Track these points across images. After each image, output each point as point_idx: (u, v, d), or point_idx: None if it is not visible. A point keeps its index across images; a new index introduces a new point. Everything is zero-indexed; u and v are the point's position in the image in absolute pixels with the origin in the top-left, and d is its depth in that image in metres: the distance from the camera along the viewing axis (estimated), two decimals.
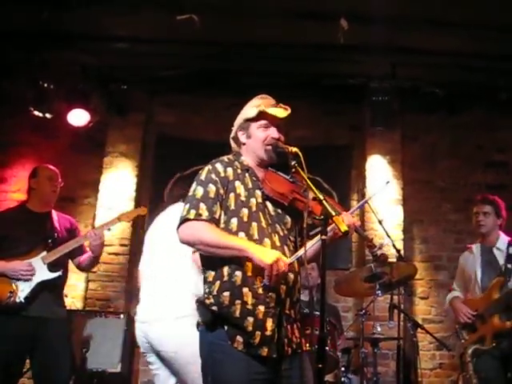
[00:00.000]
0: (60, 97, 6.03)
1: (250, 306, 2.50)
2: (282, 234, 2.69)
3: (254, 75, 6.02)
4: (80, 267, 4.36)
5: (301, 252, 2.57)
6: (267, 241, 2.61)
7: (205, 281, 2.62)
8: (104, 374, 5.19)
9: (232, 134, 2.90)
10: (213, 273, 2.59)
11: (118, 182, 6.34)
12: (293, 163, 2.60)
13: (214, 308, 2.51)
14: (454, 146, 6.60)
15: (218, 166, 2.71)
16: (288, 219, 2.75)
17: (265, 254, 2.48)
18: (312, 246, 2.63)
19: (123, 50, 5.87)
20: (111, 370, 5.21)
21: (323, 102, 6.62)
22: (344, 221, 2.53)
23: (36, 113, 5.89)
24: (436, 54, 5.64)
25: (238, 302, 2.50)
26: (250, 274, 2.53)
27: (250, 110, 2.80)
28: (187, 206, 2.62)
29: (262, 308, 2.50)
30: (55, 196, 4.33)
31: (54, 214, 4.31)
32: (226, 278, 2.54)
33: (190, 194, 2.67)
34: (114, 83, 6.26)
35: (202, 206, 2.59)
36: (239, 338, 2.47)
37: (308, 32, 5.34)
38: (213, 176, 2.67)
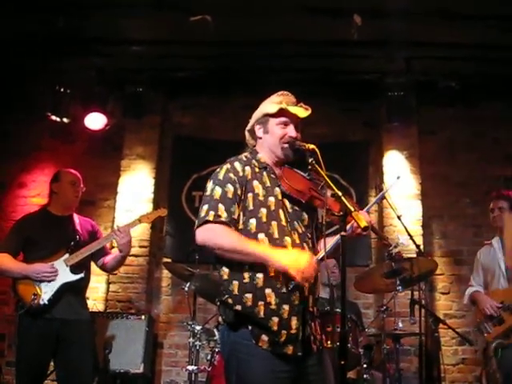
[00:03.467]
0: (77, 101, 6.09)
1: (273, 307, 2.50)
2: (300, 231, 2.69)
3: (268, 73, 6.01)
4: (104, 268, 4.38)
5: (323, 253, 2.59)
6: (287, 239, 2.61)
7: (221, 278, 2.60)
8: (127, 374, 5.24)
9: (248, 127, 2.88)
10: (227, 270, 2.58)
11: (136, 185, 6.38)
12: (310, 160, 2.59)
13: (238, 307, 2.51)
14: (472, 139, 6.54)
15: (237, 165, 2.68)
16: (305, 216, 2.75)
17: (289, 260, 2.44)
18: (334, 243, 2.63)
19: (138, 53, 5.90)
20: (134, 371, 5.27)
21: (338, 98, 6.60)
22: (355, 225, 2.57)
23: (53, 118, 5.95)
24: (451, 47, 5.61)
25: (260, 303, 2.50)
26: (272, 274, 2.53)
27: (271, 105, 2.78)
28: (205, 206, 2.60)
29: (286, 307, 2.51)
30: (77, 201, 4.36)
31: (76, 217, 4.34)
32: (246, 280, 2.52)
33: (208, 194, 2.64)
34: (129, 86, 6.30)
35: (221, 206, 2.56)
36: (264, 337, 2.48)
37: (322, 28, 5.33)
38: (231, 175, 2.64)
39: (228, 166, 2.69)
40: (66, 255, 4.07)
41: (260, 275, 2.52)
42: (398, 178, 3.50)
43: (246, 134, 2.91)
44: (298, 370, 2.52)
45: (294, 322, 2.51)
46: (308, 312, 2.59)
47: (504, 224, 4.58)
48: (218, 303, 2.62)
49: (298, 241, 2.64)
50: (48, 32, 5.44)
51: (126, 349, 5.29)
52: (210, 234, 2.55)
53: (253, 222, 2.60)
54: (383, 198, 3.31)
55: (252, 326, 2.49)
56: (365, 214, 2.66)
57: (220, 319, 2.63)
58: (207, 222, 2.56)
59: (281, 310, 2.50)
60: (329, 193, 2.58)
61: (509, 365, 4.23)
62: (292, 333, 2.50)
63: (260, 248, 2.52)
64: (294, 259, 2.45)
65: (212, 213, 2.56)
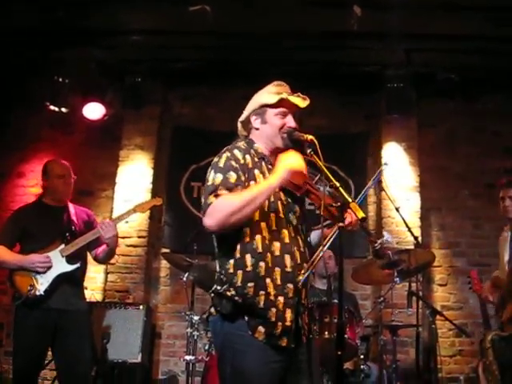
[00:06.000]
0: (75, 91, 6.07)
1: (272, 297, 2.50)
2: (294, 223, 2.69)
3: (268, 65, 5.99)
4: (97, 259, 4.40)
5: (325, 248, 2.60)
6: (284, 231, 2.61)
7: (224, 271, 2.56)
8: (125, 364, 5.26)
9: (242, 118, 2.84)
10: (231, 261, 2.55)
11: (135, 175, 6.37)
12: (309, 151, 2.58)
13: (238, 299, 2.50)
14: (471, 132, 6.54)
15: (237, 153, 2.64)
16: (297, 208, 2.74)
17: (283, 168, 2.53)
18: (332, 236, 2.64)
19: (137, 43, 5.87)
20: (132, 361, 5.29)
21: (338, 90, 6.58)
22: (352, 217, 2.58)
23: (52, 107, 5.92)
24: (451, 39, 5.58)
25: (262, 292, 2.50)
26: (271, 264, 2.53)
27: (269, 96, 2.74)
28: (207, 193, 2.54)
29: (281, 299, 2.52)
30: (69, 191, 4.34)
31: (71, 206, 4.34)
32: (249, 268, 2.51)
33: (210, 183, 2.57)
34: (128, 76, 6.28)
35: (222, 188, 2.51)
36: (261, 329, 2.48)
37: (322, 20, 5.30)
38: (233, 163, 2.59)
39: (228, 154, 2.64)
40: (62, 246, 4.09)
41: (262, 264, 2.52)
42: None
43: (239, 125, 2.87)
44: (289, 359, 2.54)
45: (289, 314, 2.52)
46: (301, 305, 2.60)
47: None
48: (213, 295, 2.60)
49: (293, 233, 2.65)
50: (47, 22, 5.41)
51: (123, 339, 5.31)
52: (218, 208, 2.48)
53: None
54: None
55: (249, 317, 2.49)
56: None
57: (212, 310, 2.60)
58: (210, 205, 2.50)
59: (277, 302, 2.51)
60: (322, 188, 2.58)
61: (505, 356, 4.25)
62: (287, 325, 2.51)
63: (260, 184, 2.54)
64: (291, 161, 2.54)
65: (212, 195, 2.51)
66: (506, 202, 4.44)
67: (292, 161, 2.56)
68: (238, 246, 2.55)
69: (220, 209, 2.47)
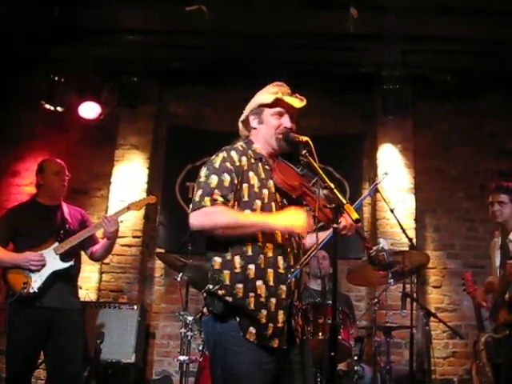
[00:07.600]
0: (71, 90, 6.06)
1: (263, 299, 2.50)
2: None
3: (264, 65, 6.00)
4: (93, 257, 4.39)
5: (318, 247, 2.60)
6: (278, 232, 2.61)
7: (213, 270, 2.57)
8: (118, 364, 5.25)
9: (242, 118, 2.86)
10: (219, 260, 2.55)
11: (130, 175, 6.36)
12: (303, 152, 2.58)
13: (229, 298, 2.50)
14: (467, 133, 6.55)
15: (233, 155, 2.65)
16: None
17: (290, 220, 2.52)
18: (327, 238, 2.64)
19: (134, 43, 5.88)
20: (126, 361, 5.28)
21: (334, 91, 6.58)
22: (347, 220, 2.59)
23: (47, 106, 5.91)
24: (447, 40, 5.60)
25: (251, 294, 2.50)
26: (263, 266, 2.53)
27: (266, 95, 2.76)
28: (200, 191, 2.55)
29: (273, 300, 2.52)
30: (64, 189, 4.35)
31: (64, 205, 4.35)
32: (238, 270, 2.51)
33: (202, 180, 2.59)
34: (124, 75, 6.27)
35: (217, 192, 2.53)
36: (252, 330, 2.48)
37: (318, 21, 5.31)
38: (228, 165, 2.60)
39: (224, 154, 2.65)
40: (56, 244, 4.08)
41: (252, 266, 2.52)
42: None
43: (240, 124, 2.89)
44: (281, 360, 2.54)
45: (281, 315, 2.52)
46: (293, 306, 2.60)
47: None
48: (205, 294, 2.60)
49: (287, 235, 2.65)
50: (43, 21, 5.40)
51: (117, 338, 5.29)
52: (208, 216, 2.51)
53: (247, 212, 2.58)
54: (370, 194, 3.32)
55: (240, 318, 2.49)
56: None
57: (205, 310, 2.61)
58: (204, 207, 2.51)
59: (269, 303, 2.51)
60: (320, 192, 2.58)
61: (498, 358, 4.25)
62: (278, 326, 2.51)
63: (260, 217, 2.54)
64: (293, 217, 2.53)
65: (208, 198, 2.52)
66: (494, 207, 4.39)
67: (298, 221, 2.54)
68: (228, 247, 2.56)
69: (212, 217, 2.51)
